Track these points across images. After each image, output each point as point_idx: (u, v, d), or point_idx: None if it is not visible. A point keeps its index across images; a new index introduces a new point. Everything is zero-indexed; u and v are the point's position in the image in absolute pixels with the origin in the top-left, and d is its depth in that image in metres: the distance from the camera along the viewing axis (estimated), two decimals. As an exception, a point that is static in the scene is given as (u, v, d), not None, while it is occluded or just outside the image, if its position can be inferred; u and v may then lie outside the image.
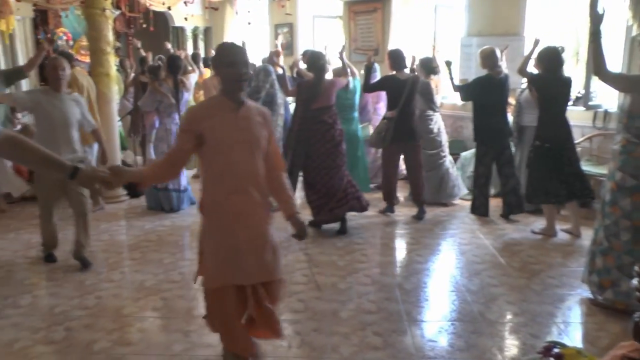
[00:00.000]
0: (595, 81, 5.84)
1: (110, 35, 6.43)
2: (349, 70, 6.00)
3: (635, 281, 1.98)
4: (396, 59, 5.70)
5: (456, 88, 5.85)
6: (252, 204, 2.55)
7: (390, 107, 5.72)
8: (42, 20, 9.32)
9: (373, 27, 8.83)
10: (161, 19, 10.82)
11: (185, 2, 8.61)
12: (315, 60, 5.23)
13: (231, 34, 11.47)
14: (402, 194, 6.49)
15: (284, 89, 5.88)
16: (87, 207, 4.52)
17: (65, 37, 9.93)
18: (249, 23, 9.58)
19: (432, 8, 8.21)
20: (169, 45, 7.87)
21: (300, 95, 5.30)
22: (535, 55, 5.12)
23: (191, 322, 3.52)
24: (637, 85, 3.53)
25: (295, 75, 6.42)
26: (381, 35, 8.70)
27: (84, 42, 9.19)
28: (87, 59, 7.43)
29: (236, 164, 2.49)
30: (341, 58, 5.87)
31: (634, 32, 5.31)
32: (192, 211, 6.13)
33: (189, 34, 11.89)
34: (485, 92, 5.52)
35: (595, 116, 5.98)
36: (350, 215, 5.41)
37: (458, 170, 6.59)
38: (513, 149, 5.83)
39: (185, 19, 10.39)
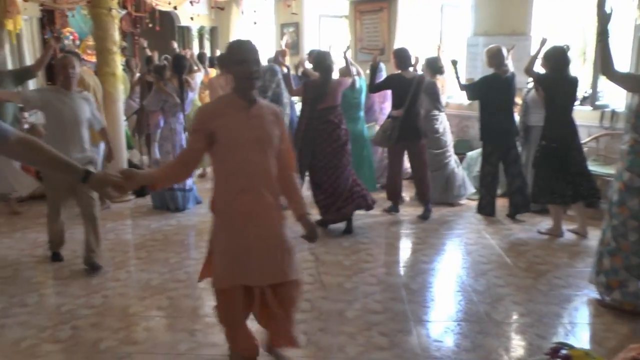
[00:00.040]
0: (603, 81, 5.81)
1: (117, 35, 6.44)
2: (354, 69, 5.98)
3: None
4: (402, 57, 5.69)
5: (462, 87, 5.83)
6: (264, 204, 2.52)
7: (395, 106, 5.71)
8: (49, 20, 9.35)
9: (379, 27, 8.82)
10: (167, 19, 10.85)
11: (191, 2, 8.65)
12: (321, 60, 5.23)
13: (237, 34, 11.48)
14: (407, 193, 6.48)
15: (288, 88, 5.89)
16: (96, 210, 4.43)
17: (71, 37, 9.97)
18: (255, 23, 9.61)
19: (438, 7, 8.20)
20: (175, 45, 7.88)
21: (306, 95, 5.30)
22: (541, 55, 5.10)
23: (197, 322, 3.53)
24: (645, 85, 3.51)
25: (299, 74, 6.42)
26: (387, 34, 8.68)
27: (91, 41, 9.21)
28: (94, 59, 7.46)
29: (247, 163, 2.46)
30: (345, 58, 5.86)
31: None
32: (198, 210, 6.14)
33: (194, 33, 11.90)
34: (491, 91, 5.51)
35: (602, 116, 5.94)
36: (356, 215, 5.41)
37: (464, 170, 6.57)
38: (519, 148, 5.80)
39: (191, 18, 10.42)
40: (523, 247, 4.92)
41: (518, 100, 6.01)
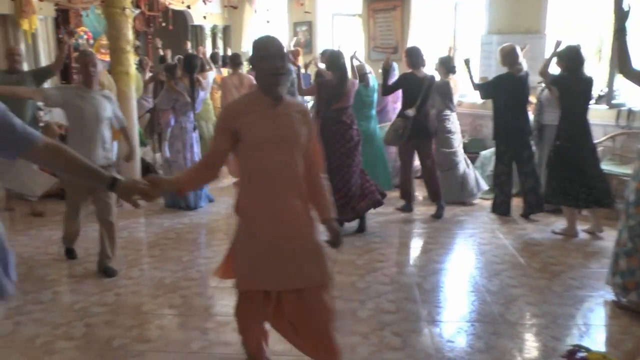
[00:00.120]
0: (619, 79, 5.74)
1: (130, 34, 6.47)
2: (367, 67, 5.94)
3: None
4: (414, 56, 5.65)
5: (476, 86, 5.79)
6: (288, 205, 2.41)
7: (406, 104, 5.65)
8: (63, 20, 9.42)
9: (392, 25, 8.79)
10: (180, 18, 10.90)
11: (204, 1, 8.67)
12: (334, 60, 5.20)
13: (250, 33, 11.50)
14: (421, 192, 6.45)
15: (298, 87, 5.89)
16: (112, 216, 4.35)
17: (85, 36, 10.03)
18: (268, 21, 9.61)
19: (452, 6, 8.15)
20: (188, 45, 7.91)
21: (321, 94, 5.28)
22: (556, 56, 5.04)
23: (209, 320, 3.53)
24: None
25: (307, 72, 6.39)
26: (400, 33, 8.65)
27: (104, 41, 9.27)
28: (107, 58, 7.50)
29: (273, 163, 2.36)
30: (351, 62, 5.75)
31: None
32: (210, 209, 6.16)
33: (207, 32, 11.93)
34: (505, 89, 5.46)
35: (618, 115, 5.87)
36: (369, 214, 5.39)
37: (477, 169, 6.53)
38: (533, 147, 5.75)
39: (204, 17, 10.45)
40: (537, 247, 4.87)
41: (532, 99, 5.96)
